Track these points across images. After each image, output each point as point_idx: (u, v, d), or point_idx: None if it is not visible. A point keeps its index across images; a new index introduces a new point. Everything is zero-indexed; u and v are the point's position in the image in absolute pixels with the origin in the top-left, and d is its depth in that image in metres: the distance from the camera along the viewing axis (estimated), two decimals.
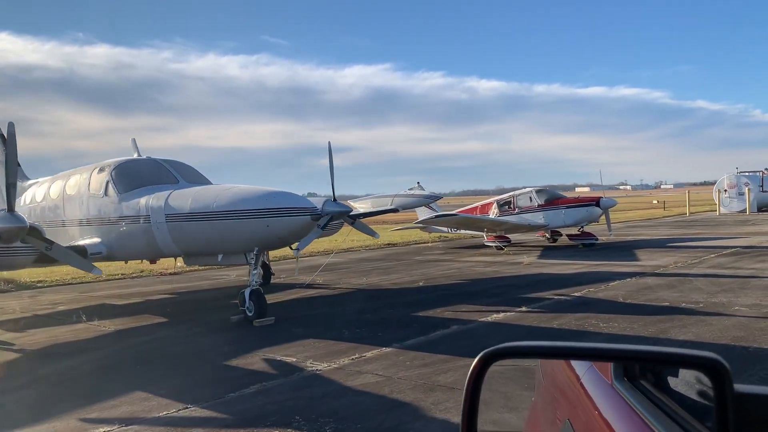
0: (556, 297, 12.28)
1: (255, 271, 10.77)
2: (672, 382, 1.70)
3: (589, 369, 2.10)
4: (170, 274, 17.59)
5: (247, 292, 10.72)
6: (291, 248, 13.53)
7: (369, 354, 8.25)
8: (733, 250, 19.74)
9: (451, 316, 10.78)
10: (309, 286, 15.32)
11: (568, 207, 23.15)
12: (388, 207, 18.20)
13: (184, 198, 10.86)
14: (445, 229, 26.43)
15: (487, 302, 12.03)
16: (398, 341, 8.88)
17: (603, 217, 23.35)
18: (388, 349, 8.46)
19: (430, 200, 18.58)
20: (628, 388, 1.80)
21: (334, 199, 13.96)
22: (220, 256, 10.90)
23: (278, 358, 8.26)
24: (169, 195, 11.07)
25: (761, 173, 47.07)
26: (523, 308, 11.17)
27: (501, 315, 10.64)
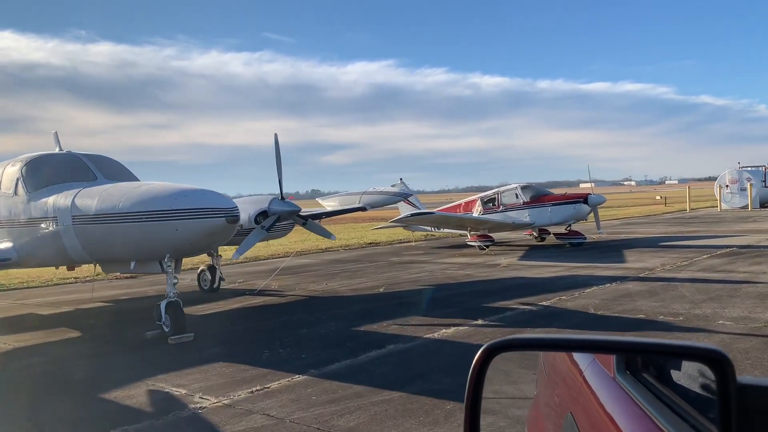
0: (521, 307, 10.91)
1: (172, 281, 9.43)
2: (674, 374, 1.68)
3: (591, 362, 2.07)
4: (89, 280, 16.15)
5: (163, 304, 9.39)
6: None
7: (275, 384, 6.91)
8: (728, 249, 18.31)
9: (396, 331, 9.43)
10: (260, 292, 13.99)
11: (554, 204, 21.73)
12: (356, 205, 16.80)
13: (92, 197, 9.53)
14: (428, 228, 25.02)
15: (443, 313, 10.69)
16: (319, 366, 7.54)
17: (592, 214, 22.00)
18: (301, 378, 7.11)
19: (399, 198, 17.20)
20: (630, 381, 1.79)
21: (282, 198, 12.64)
22: (132, 264, 9.57)
23: (167, 389, 6.93)
24: (76, 194, 9.76)
25: (764, 168, 45.44)
26: (480, 321, 9.82)
27: (451, 330, 9.28)
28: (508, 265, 17.07)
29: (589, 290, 12.28)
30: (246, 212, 12.57)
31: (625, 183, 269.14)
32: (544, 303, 11.16)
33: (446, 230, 24.55)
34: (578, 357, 2.20)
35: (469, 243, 22.49)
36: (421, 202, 27.48)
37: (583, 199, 21.41)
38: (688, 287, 12.11)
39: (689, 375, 1.59)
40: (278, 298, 13.32)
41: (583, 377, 2.04)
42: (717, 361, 1.26)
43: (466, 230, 22.94)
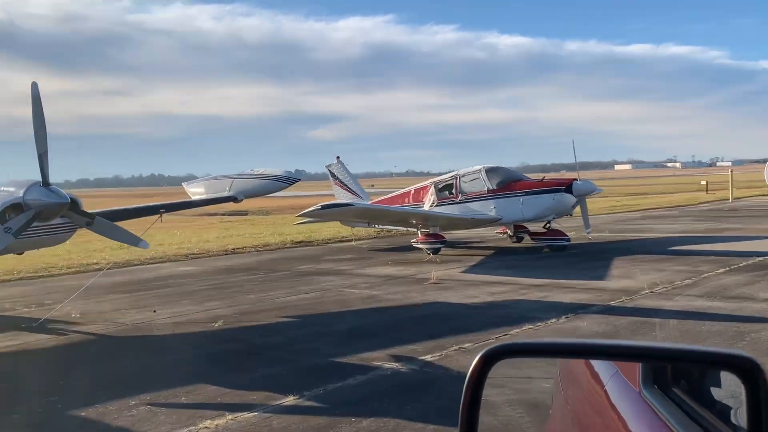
0: (385, 365, 7.86)
1: None
2: (713, 391, 1.69)
3: (614, 375, 2.09)
4: None
5: None
6: None
7: None
8: (758, 259, 15.15)
9: (121, 427, 6.36)
10: (40, 325, 10.92)
11: (527, 193, 18.57)
12: (224, 194, 13.72)
13: None
14: (366, 223, 21.84)
15: (255, 378, 7.69)
16: None
17: (579, 207, 18.90)
18: None
19: (284, 184, 14.01)
20: (658, 396, 1.80)
21: (45, 183, 9.59)
22: None
23: None
24: None
25: None
26: (290, 399, 6.78)
27: (222, 421, 6.21)
28: (437, 281, 13.98)
29: (515, 332, 9.20)
30: None
31: (669, 165, 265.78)
32: (426, 357, 8.09)
33: (386, 227, 21.50)
34: (599, 368, 2.19)
35: (414, 245, 19.34)
36: (364, 188, 24.40)
37: (566, 186, 18.28)
38: (670, 329, 9.03)
39: (726, 389, 1.60)
40: (52, 337, 10.25)
41: (605, 391, 2.07)
42: (746, 369, 1.24)
43: (415, 227, 19.81)
